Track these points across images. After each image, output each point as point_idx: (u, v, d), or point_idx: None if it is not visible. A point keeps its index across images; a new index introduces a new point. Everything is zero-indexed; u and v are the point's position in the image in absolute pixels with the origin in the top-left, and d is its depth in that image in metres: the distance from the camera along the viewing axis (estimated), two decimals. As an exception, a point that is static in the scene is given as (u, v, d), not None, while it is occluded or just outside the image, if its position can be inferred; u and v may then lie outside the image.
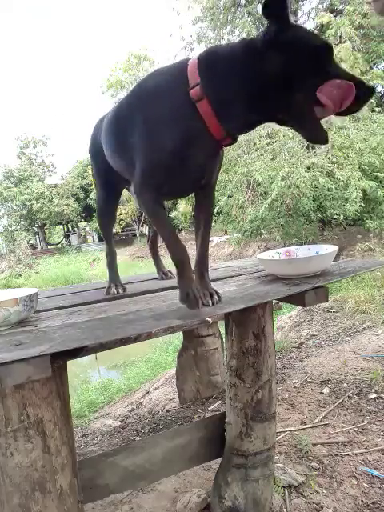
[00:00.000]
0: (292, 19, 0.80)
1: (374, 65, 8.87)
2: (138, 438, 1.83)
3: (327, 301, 1.01)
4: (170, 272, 1.57)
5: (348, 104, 0.78)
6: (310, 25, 9.83)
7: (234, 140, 0.92)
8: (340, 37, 8.00)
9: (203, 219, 1.08)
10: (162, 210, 0.98)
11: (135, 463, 1.13)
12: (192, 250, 1.08)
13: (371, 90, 0.79)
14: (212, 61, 0.86)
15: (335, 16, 8.26)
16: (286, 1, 0.75)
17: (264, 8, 0.76)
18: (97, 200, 1.44)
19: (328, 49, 0.79)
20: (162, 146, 0.88)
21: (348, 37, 7.91)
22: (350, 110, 0.80)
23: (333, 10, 9.05)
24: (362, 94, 0.78)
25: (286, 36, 0.78)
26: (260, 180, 6.36)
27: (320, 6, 9.87)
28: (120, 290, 1.30)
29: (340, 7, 8.84)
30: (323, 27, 8.78)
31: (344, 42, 7.99)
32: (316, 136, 0.84)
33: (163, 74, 0.94)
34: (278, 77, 0.78)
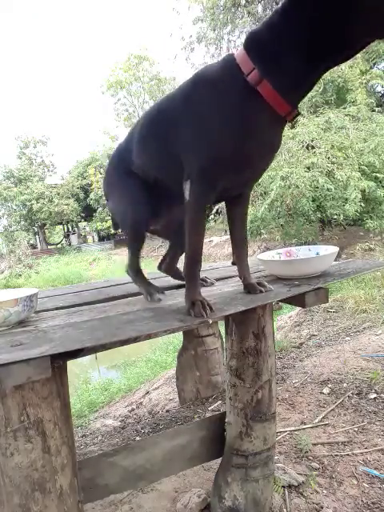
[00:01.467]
0: None
1: (374, 64, 8.87)
2: (138, 438, 1.83)
3: (327, 301, 1.01)
4: (207, 278, 1.30)
5: None
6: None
7: (299, 111, 0.91)
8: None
9: (240, 220, 1.09)
10: (204, 221, 0.97)
11: (135, 463, 1.13)
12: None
13: None
14: (258, 44, 0.86)
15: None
16: None
17: None
18: (129, 215, 1.16)
19: None
20: (230, 138, 0.87)
21: (348, 37, 7.87)
22: None
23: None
24: None
25: None
26: (259, 180, 6.35)
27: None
28: (161, 297, 1.15)
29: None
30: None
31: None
32: None
33: (215, 70, 0.93)
34: (327, 15, 0.75)
